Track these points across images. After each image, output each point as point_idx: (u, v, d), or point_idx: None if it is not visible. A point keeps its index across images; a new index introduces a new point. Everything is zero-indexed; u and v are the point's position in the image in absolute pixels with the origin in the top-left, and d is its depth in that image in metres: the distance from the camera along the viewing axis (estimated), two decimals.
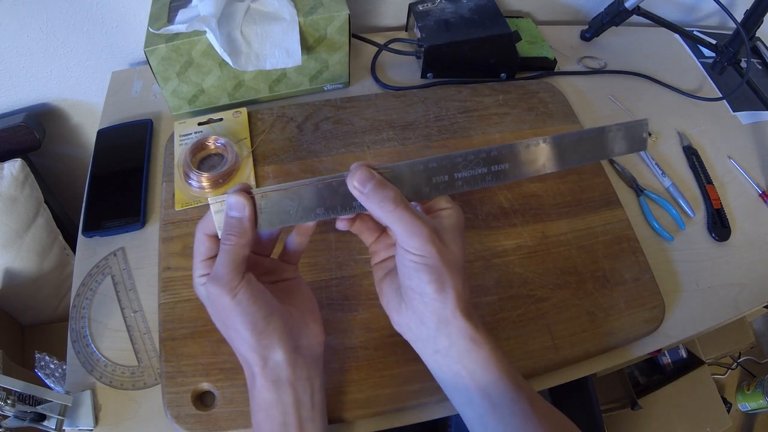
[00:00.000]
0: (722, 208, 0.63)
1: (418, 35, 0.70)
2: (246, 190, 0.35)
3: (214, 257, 0.37)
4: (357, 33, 0.71)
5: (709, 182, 0.66)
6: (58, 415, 0.43)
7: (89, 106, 0.79)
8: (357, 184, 0.35)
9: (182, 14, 0.57)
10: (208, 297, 0.36)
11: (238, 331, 0.36)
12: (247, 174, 0.58)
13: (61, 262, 0.79)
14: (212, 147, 0.59)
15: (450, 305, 0.36)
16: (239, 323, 0.35)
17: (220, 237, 0.36)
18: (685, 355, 1.14)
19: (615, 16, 0.75)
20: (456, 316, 0.36)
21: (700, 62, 0.83)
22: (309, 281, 0.51)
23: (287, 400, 0.37)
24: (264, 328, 0.36)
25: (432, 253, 0.35)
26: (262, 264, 0.41)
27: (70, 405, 0.44)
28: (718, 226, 0.62)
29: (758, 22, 0.69)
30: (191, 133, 0.60)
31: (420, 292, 0.36)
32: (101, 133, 0.63)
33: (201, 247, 0.38)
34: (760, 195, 0.66)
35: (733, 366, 1.30)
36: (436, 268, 0.35)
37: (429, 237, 0.35)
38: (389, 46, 0.72)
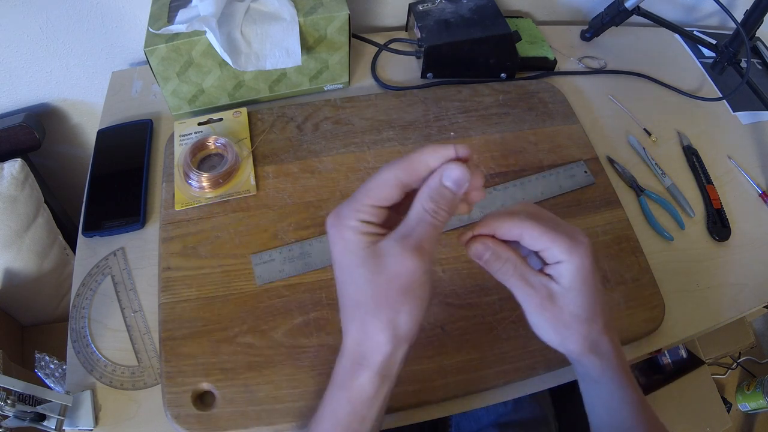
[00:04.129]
0: (722, 208, 0.63)
1: (418, 35, 0.70)
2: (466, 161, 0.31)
3: (384, 208, 0.31)
4: (357, 33, 0.71)
5: (709, 182, 0.66)
6: (58, 415, 0.43)
7: (89, 106, 0.79)
8: (474, 257, 0.35)
9: (182, 14, 0.57)
10: (386, 259, 0.30)
11: (398, 314, 0.30)
12: (247, 174, 0.58)
13: (61, 262, 0.79)
14: (212, 147, 0.59)
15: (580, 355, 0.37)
16: (407, 307, 0.30)
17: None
18: (685, 355, 1.14)
19: (615, 16, 0.74)
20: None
21: (700, 62, 0.83)
22: (309, 281, 0.51)
23: (381, 396, 0.33)
24: (419, 320, 0.31)
25: (544, 321, 0.35)
26: None
27: (70, 405, 0.44)
28: (718, 226, 0.62)
29: (758, 22, 0.69)
30: (191, 133, 0.60)
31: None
32: (101, 133, 0.63)
33: (385, 190, 0.31)
34: (760, 195, 0.66)
35: (733, 366, 1.30)
36: (558, 331, 0.36)
37: (540, 305, 0.35)
38: (389, 46, 0.72)
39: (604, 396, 0.38)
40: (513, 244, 0.36)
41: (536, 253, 0.35)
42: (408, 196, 0.32)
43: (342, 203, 0.32)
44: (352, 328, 0.32)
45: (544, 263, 0.35)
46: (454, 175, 0.30)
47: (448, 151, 0.31)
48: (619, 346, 0.38)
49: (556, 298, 0.34)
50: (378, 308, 0.30)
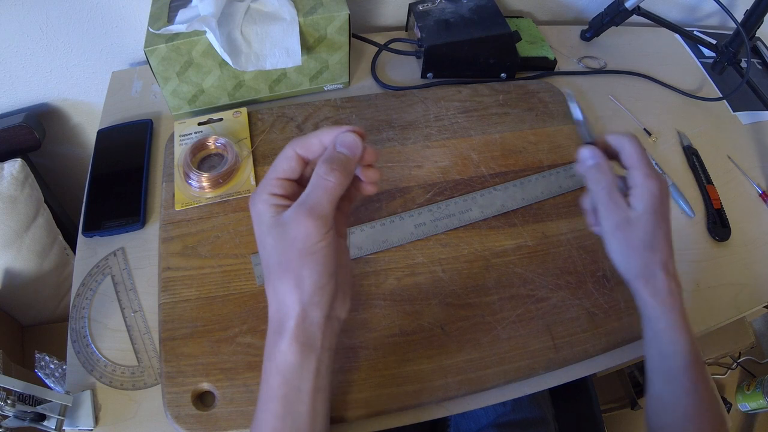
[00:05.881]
0: (722, 208, 0.63)
1: (418, 35, 0.70)
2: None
3: (291, 181, 0.35)
4: (357, 33, 0.71)
5: (709, 182, 0.66)
6: (58, 415, 0.43)
7: (89, 106, 0.79)
8: (581, 160, 0.42)
9: (182, 14, 0.57)
10: (287, 226, 0.32)
11: (300, 277, 0.32)
12: (247, 174, 0.58)
13: (61, 262, 0.79)
14: (212, 147, 0.59)
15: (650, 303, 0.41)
16: (307, 270, 0.32)
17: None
18: None
19: (615, 16, 0.75)
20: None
21: (700, 62, 0.83)
22: None
23: (310, 367, 0.34)
24: (324, 285, 0.33)
25: (616, 241, 0.41)
26: None
27: (70, 405, 0.44)
28: (718, 226, 0.62)
29: (758, 22, 0.69)
30: (191, 133, 0.60)
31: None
32: (101, 133, 0.63)
33: (285, 163, 0.35)
34: (760, 195, 0.66)
35: (733, 366, 1.30)
36: (625, 253, 0.41)
37: (617, 224, 0.40)
38: (389, 46, 0.72)
39: (657, 337, 0.41)
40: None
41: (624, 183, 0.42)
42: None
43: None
44: (270, 296, 0.35)
45: (626, 195, 0.40)
46: (346, 140, 0.34)
47: (339, 130, 0.35)
48: (675, 288, 0.41)
49: (631, 222, 0.39)
50: (283, 273, 0.33)
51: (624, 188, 0.41)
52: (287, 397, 0.34)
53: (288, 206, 0.34)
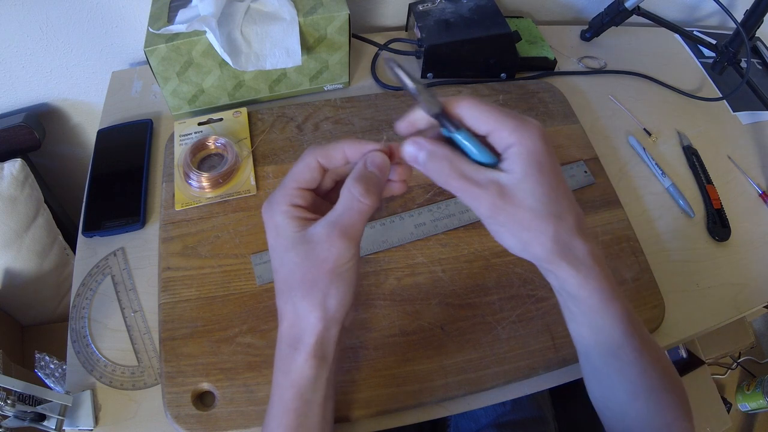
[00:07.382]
0: (722, 208, 0.63)
1: (418, 35, 0.70)
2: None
3: (310, 191, 0.34)
4: (357, 33, 0.71)
5: (709, 182, 0.66)
6: (58, 415, 0.43)
7: (89, 106, 0.79)
8: (411, 161, 0.33)
9: (182, 14, 0.57)
10: (315, 245, 0.31)
11: (326, 296, 0.32)
12: (247, 174, 0.58)
13: (61, 262, 0.79)
14: (212, 147, 0.59)
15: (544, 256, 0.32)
16: (334, 289, 0.32)
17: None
18: (685, 355, 1.14)
19: (615, 16, 0.75)
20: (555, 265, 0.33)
21: (700, 62, 0.83)
22: None
23: (322, 379, 0.34)
24: (347, 302, 0.33)
25: (499, 225, 0.32)
26: None
27: (70, 405, 0.44)
28: (718, 226, 0.62)
29: (758, 22, 0.69)
30: (191, 133, 0.60)
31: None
32: (101, 133, 0.63)
33: (306, 173, 0.33)
34: (760, 195, 0.66)
35: (733, 366, 1.30)
36: (517, 234, 0.31)
37: (492, 205, 0.30)
38: (389, 46, 0.72)
39: (586, 312, 0.34)
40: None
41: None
42: (338, 185, 0.35)
43: (274, 191, 0.34)
44: (286, 311, 0.33)
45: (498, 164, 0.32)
46: (377, 160, 0.33)
47: (366, 146, 0.33)
48: (598, 252, 0.33)
49: (510, 193, 0.30)
50: (308, 291, 0.32)
51: (495, 160, 0.32)
52: (300, 410, 0.34)
53: (309, 219, 0.32)
